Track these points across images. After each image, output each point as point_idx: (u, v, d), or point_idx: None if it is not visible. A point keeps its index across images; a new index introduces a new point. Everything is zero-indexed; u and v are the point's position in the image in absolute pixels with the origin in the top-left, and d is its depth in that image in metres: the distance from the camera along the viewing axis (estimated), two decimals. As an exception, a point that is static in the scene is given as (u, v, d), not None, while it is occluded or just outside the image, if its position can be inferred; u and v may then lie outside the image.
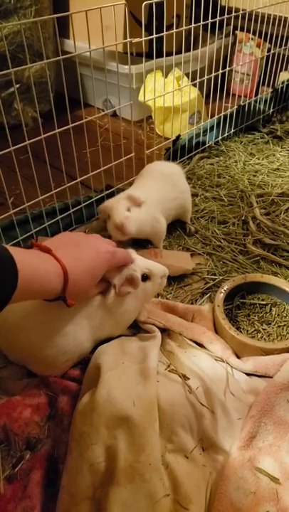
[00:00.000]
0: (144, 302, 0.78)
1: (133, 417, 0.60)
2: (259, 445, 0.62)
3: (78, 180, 1.04)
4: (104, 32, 0.90)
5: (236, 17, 1.32)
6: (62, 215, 1.04)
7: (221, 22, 1.25)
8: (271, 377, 0.70)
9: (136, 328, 0.80)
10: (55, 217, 1.03)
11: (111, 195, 1.15)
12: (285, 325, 0.81)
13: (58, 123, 0.92)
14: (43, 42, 1.55)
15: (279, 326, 0.81)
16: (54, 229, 1.05)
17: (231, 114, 1.48)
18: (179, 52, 1.19)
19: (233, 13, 1.28)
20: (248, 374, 0.73)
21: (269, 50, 1.59)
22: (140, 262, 0.73)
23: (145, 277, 0.74)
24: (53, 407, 0.66)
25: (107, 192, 1.14)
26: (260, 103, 1.60)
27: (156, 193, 0.97)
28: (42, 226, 1.01)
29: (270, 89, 1.64)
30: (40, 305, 0.65)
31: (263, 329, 0.80)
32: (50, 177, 0.98)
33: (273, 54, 1.55)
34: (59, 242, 0.62)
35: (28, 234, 0.99)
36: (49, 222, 1.02)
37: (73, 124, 0.95)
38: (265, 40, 1.71)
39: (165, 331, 0.80)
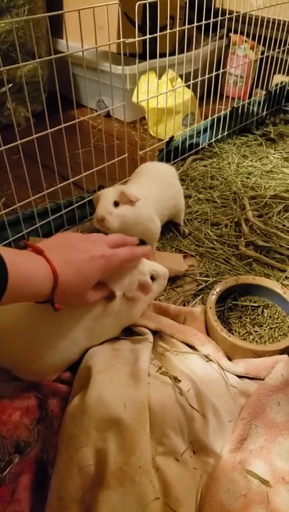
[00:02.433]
0: (149, 301, 0.79)
1: (124, 420, 0.60)
2: (250, 448, 0.62)
3: (71, 180, 1.03)
4: (97, 32, 0.89)
5: (230, 19, 1.32)
6: (54, 216, 1.04)
7: (215, 24, 1.26)
8: (262, 379, 0.70)
9: (128, 331, 0.80)
10: (47, 217, 1.02)
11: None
12: (276, 327, 0.81)
13: (51, 123, 0.91)
14: (36, 41, 1.54)
15: (271, 328, 0.81)
16: (46, 229, 1.04)
17: (225, 116, 1.48)
18: (172, 53, 1.19)
19: (227, 15, 1.29)
20: (239, 376, 0.73)
21: (263, 52, 1.60)
22: (147, 264, 0.73)
23: (151, 278, 0.74)
24: (42, 410, 0.66)
25: (100, 193, 1.13)
26: (253, 105, 1.60)
27: (152, 192, 0.96)
28: (34, 227, 1.00)
29: (264, 92, 1.65)
30: (32, 315, 0.65)
31: (255, 331, 0.80)
32: (42, 177, 0.97)
33: (267, 56, 1.56)
34: (53, 243, 0.61)
35: (20, 234, 0.98)
36: (41, 223, 1.01)
37: (66, 124, 0.95)
38: (258, 42, 1.72)
39: (157, 333, 0.79)
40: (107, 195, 0.86)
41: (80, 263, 0.59)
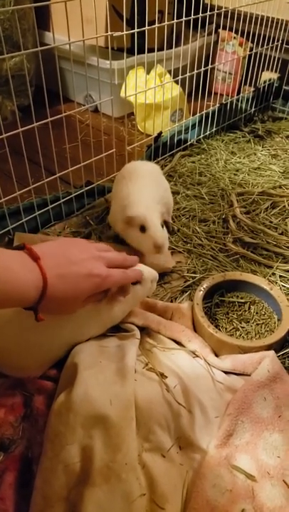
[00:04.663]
0: (133, 306, 0.78)
1: (110, 416, 0.60)
2: (236, 443, 0.62)
3: (57, 175, 1.02)
4: (84, 25, 0.88)
5: (219, 15, 1.32)
6: (40, 211, 1.02)
7: (204, 20, 1.25)
8: (249, 375, 0.70)
9: (115, 327, 0.79)
10: (33, 213, 1.01)
11: (91, 191, 1.14)
12: (263, 323, 0.81)
13: (37, 117, 0.90)
14: (23, 34, 1.52)
15: (257, 324, 0.81)
16: (32, 225, 1.03)
17: (213, 113, 1.48)
18: (161, 48, 1.19)
19: (216, 11, 1.28)
20: (226, 372, 0.73)
21: (251, 49, 1.60)
22: None
23: (135, 281, 0.73)
24: (27, 407, 0.65)
25: (87, 188, 1.12)
26: (242, 102, 1.60)
27: (155, 194, 0.95)
28: (19, 222, 0.99)
29: (252, 89, 1.65)
30: (19, 311, 0.64)
31: (242, 327, 0.81)
32: (28, 172, 0.96)
33: (255, 53, 1.56)
34: (53, 249, 0.59)
35: (5, 230, 0.97)
36: (27, 218, 1.00)
37: (52, 118, 0.93)
38: (247, 39, 1.72)
39: (144, 330, 0.79)
40: (156, 218, 0.85)
41: (74, 278, 0.57)
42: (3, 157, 0.92)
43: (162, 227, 0.86)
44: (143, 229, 0.84)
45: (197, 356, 0.74)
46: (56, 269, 0.56)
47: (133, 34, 1.04)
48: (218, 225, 1.11)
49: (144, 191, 0.93)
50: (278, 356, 0.73)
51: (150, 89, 1.27)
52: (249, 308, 0.84)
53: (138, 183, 0.95)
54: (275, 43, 1.60)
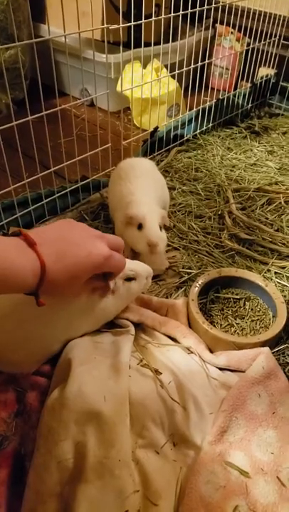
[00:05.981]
0: (127, 302, 0.78)
1: (103, 413, 0.59)
2: (230, 439, 0.62)
3: (52, 169, 1.01)
4: (80, 18, 0.87)
5: (216, 10, 1.31)
6: (34, 206, 1.01)
7: (201, 14, 1.24)
8: (243, 371, 0.70)
9: (109, 323, 0.79)
10: (28, 207, 1.00)
11: (86, 186, 1.13)
12: (258, 319, 0.81)
13: (32, 111, 0.89)
14: (17, 26, 1.50)
15: (252, 321, 0.81)
16: (26, 219, 1.02)
17: (210, 108, 1.47)
18: (158, 42, 1.18)
19: (213, 5, 1.27)
20: (220, 368, 0.73)
21: (248, 44, 1.59)
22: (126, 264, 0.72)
23: (130, 278, 0.73)
24: (21, 403, 0.64)
25: (82, 183, 1.11)
26: (238, 98, 1.60)
27: (154, 195, 0.94)
28: (13, 217, 0.98)
29: (249, 84, 1.64)
30: (14, 306, 0.63)
31: (237, 323, 0.80)
32: (22, 166, 0.95)
33: (253, 49, 1.55)
34: (51, 233, 0.58)
35: (-1, 224, 0.96)
36: (21, 213, 0.99)
37: (47, 112, 0.92)
38: (244, 34, 1.71)
39: (139, 326, 0.79)
40: (155, 219, 0.85)
41: (74, 259, 0.56)
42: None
43: (161, 229, 0.85)
44: (140, 227, 0.84)
45: (192, 352, 0.74)
46: (54, 251, 0.55)
47: (129, 27, 1.02)
48: (214, 221, 1.10)
49: (145, 194, 0.92)
50: (273, 353, 0.73)
51: (146, 84, 1.26)
52: (244, 304, 0.84)
53: (137, 185, 0.93)
54: (273, 39, 1.59)
